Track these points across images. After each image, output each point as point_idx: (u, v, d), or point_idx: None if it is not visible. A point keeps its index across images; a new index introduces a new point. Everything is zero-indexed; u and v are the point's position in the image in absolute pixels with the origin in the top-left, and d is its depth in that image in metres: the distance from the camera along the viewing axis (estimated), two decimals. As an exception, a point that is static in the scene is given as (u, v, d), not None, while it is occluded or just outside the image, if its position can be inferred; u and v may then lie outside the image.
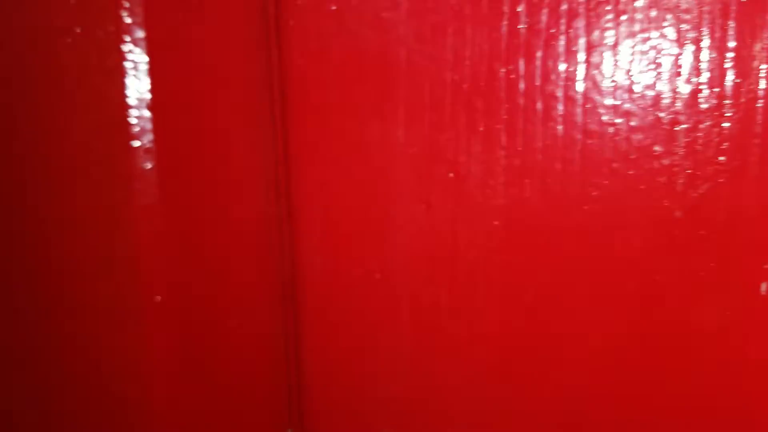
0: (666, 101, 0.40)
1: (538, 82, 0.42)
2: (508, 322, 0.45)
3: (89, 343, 0.49)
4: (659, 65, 0.40)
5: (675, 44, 0.40)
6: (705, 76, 0.40)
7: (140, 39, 0.46)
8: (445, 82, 0.44)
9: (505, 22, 0.42)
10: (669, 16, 0.40)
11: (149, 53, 0.46)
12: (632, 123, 0.41)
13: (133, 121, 0.46)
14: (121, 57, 0.46)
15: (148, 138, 0.46)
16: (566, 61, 0.42)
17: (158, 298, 0.47)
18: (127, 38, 0.46)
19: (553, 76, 0.42)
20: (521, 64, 0.42)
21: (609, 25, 0.41)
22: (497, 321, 0.46)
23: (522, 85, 0.42)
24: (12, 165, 0.51)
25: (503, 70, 0.43)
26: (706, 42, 0.39)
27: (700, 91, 0.40)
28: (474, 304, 0.46)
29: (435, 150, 0.45)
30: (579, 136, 0.42)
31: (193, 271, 0.49)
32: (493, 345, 0.46)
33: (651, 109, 0.41)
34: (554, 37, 0.41)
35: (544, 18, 0.41)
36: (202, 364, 0.50)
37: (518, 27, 0.42)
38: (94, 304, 0.48)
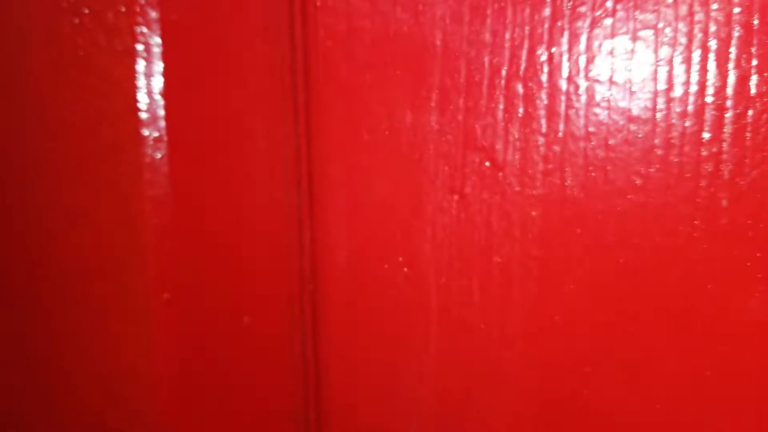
0: (714, 86, 0.39)
1: (582, 66, 0.41)
2: (544, 319, 0.44)
3: (92, 343, 0.46)
4: (707, 49, 0.39)
5: (724, 27, 0.39)
6: (754, 61, 0.39)
7: (153, 20, 0.44)
8: (483, 66, 0.42)
9: (548, 3, 0.41)
10: (715, 1, 0.39)
11: (163, 35, 0.44)
12: (678, 109, 0.40)
13: (143, 107, 0.44)
14: (133, 39, 0.44)
15: (159, 126, 0.44)
16: (612, 43, 0.40)
17: (166, 295, 0.45)
18: (140, 19, 0.44)
19: (598, 60, 0.41)
20: (565, 46, 0.41)
21: (657, 6, 0.39)
22: (533, 317, 0.44)
23: (565, 69, 0.41)
24: (13, 155, 0.48)
25: (546, 53, 0.41)
26: (756, 25, 0.38)
27: (750, 75, 0.39)
28: (508, 300, 0.44)
29: (470, 137, 0.43)
30: (623, 122, 0.41)
31: (203, 267, 0.47)
32: (528, 343, 0.44)
33: (698, 94, 0.39)
34: (600, 19, 0.40)
35: (589, -1, 0.40)
36: (212, 364, 0.47)
37: (563, 9, 0.40)
38: (98, 301, 0.46)
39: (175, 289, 0.45)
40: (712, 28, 0.39)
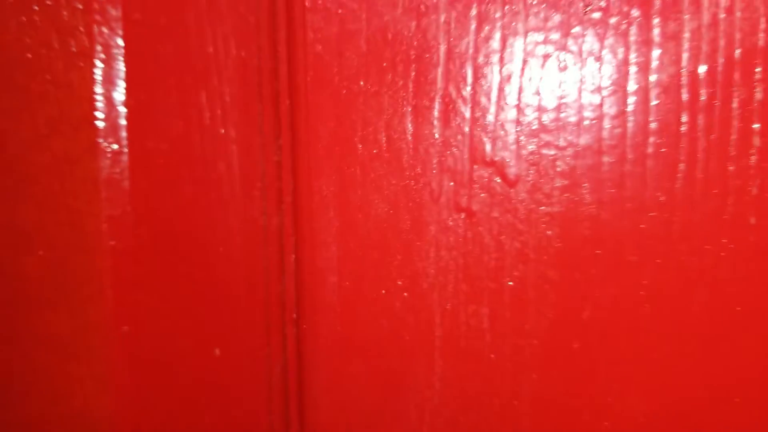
0: (738, 99, 0.37)
1: (604, 74, 0.38)
2: (561, 347, 0.40)
3: (41, 382, 0.42)
4: (733, 59, 0.37)
5: (750, 37, 0.37)
6: (783, 72, 0.37)
7: (114, 19, 0.40)
8: (492, 74, 0.39)
9: (564, 8, 0.38)
10: (740, 9, 0.37)
11: (125, 36, 0.40)
12: (702, 122, 0.37)
13: (101, 115, 0.40)
14: (91, 40, 0.40)
15: (119, 136, 0.40)
16: (637, 51, 0.38)
17: (125, 328, 0.40)
18: (99, 17, 0.40)
19: (621, 67, 0.38)
20: (583, 54, 0.38)
21: (678, 15, 0.37)
22: (549, 346, 0.40)
23: (584, 78, 0.38)
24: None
25: (562, 60, 0.38)
26: (785, 33, 0.36)
27: (778, 87, 0.37)
28: (522, 327, 0.41)
29: (478, 150, 0.40)
30: (644, 135, 0.38)
31: (168, 295, 0.42)
32: (544, 374, 0.41)
33: (724, 106, 0.37)
34: (619, 26, 0.37)
35: (613, 3, 0.37)
36: (177, 405, 0.43)
37: (580, 16, 0.38)
38: (47, 335, 0.41)
39: (135, 320, 0.40)
40: (738, 36, 0.37)
